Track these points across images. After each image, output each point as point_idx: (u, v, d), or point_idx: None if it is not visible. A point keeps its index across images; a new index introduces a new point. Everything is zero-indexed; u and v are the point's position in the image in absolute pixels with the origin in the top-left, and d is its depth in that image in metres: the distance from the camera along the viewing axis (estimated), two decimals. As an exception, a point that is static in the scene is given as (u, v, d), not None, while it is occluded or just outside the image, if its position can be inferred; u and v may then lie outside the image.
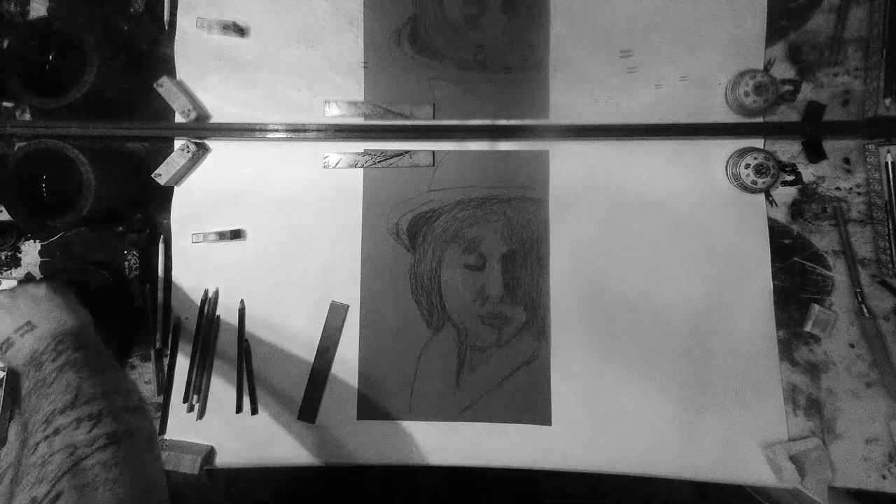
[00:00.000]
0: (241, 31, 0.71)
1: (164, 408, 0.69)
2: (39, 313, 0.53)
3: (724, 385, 0.66)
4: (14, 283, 0.70)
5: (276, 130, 0.69)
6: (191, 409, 0.68)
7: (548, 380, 0.68)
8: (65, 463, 0.38)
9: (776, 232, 0.68)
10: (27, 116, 0.72)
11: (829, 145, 0.67)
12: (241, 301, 0.70)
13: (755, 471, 0.64)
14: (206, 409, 0.69)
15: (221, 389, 0.69)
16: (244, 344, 0.69)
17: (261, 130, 0.69)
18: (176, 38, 0.72)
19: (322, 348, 0.69)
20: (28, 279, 0.56)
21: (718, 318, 0.67)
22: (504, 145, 0.70)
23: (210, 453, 0.68)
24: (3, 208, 0.69)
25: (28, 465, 0.39)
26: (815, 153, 0.67)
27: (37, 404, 0.43)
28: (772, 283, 0.67)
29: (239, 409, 0.68)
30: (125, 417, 0.43)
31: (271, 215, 0.71)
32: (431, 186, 0.70)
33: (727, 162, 0.68)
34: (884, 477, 0.64)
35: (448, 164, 0.70)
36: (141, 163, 0.72)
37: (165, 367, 0.69)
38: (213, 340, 0.69)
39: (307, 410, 0.68)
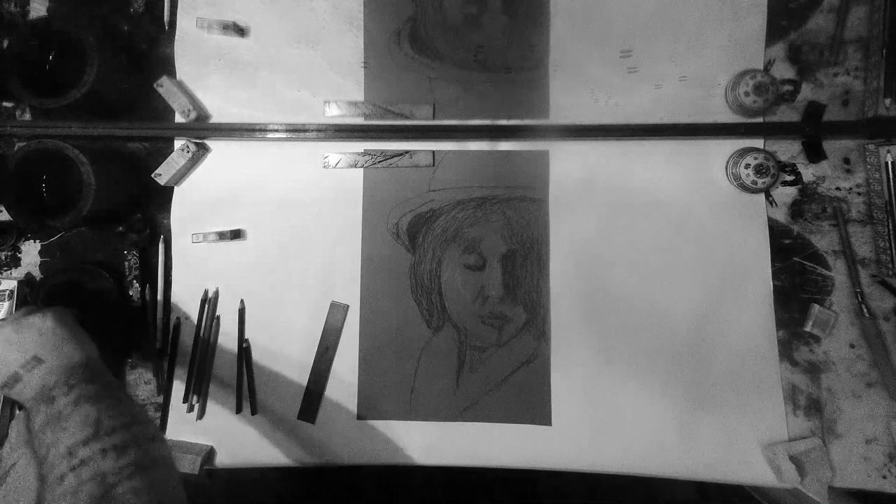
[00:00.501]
0: (241, 31, 0.71)
1: (164, 408, 0.69)
2: (47, 347, 0.52)
3: (724, 385, 0.66)
4: (13, 283, 0.70)
5: (276, 130, 0.69)
6: (191, 409, 0.68)
7: (548, 380, 0.68)
8: (96, 491, 0.39)
9: (776, 232, 0.68)
10: (27, 116, 0.72)
11: (829, 145, 0.67)
12: (241, 301, 0.70)
13: (755, 471, 0.64)
14: (206, 409, 0.69)
15: (221, 389, 0.69)
16: (244, 344, 0.69)
17: (261, 130, 0.69)
18: (176, 38, 0.72)
19: (322, 348, 0.69)
20: (30, 310, 0.56)
21: (718, 318, 0.67)
22: (504, 145, 0.70)
23: (210, 453, 0.68)
24: (3, 208, 0.69)
25: (57, 496, 0.40)
26: (815, 153, 0.67)
27: (54, 438, 0.43)
28: (772, 283, 0.67)
29: (239, 409, 0.68)
30: (149, 446, 0.44)
31: (271, 215, 0.71)
32: (431, 186, 0.70)
33: (727, 162, 0.68)
34: (884, 477, 0.64)
35: (448, 164, 0.70)
36: (141, 163, 0.72)
37: (165, 367, 0.69)
38: (213, 340, 0.69)
39: (307, 410, 0.68)
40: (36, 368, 0.50)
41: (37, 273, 0.72)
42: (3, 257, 0.72)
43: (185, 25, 0.72)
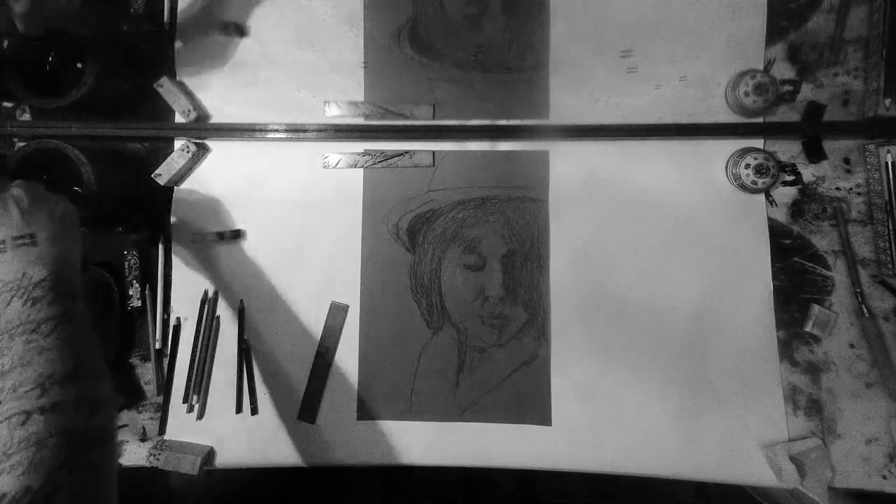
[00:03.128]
0: (241, 31, 0.71)
1: (164, 408, 0.69)
2: (49, 232, 0.42)
3: (724, 385, 0.66)
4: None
5: (276, 130, 0.69)
6: (191, 409, 0.68)
7: (548, 380, 0.68)
8: (61, 453, 0.33)
9: (776, 232, 0.68)
10: (27, 116, 0.72)
11: (829, 145, 0.67)
12: (241, 301, 0.70)
13: (755, 471, 0.64)
14: (206, 409, 0.69)
15: (221, 389, 0.69)
16: (244, 344, 0.69)
17: (261, 130, 0.69)
18: (176, 38, 0.72)
19: (322, 348, 0.69)
20: (44, 190, 0.47)
21: (718, 318, 0.67)
22: (504, 145, 0.70)
23: (210, 453, 0.68)
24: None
25: (18, 439, 0.32)
26: (815, 153, 0.67)
27: (24, 353, 0.35)
28: (772, 283, 0.67)
29: (239, 409, 0.68)
30: (111, 412, 0.38)
31: (271, 215, 0.71)
32: (431, 186, 0.70)
33: (727, 162, 0.68)
34: (884, 477, 0.64)
35: (448, 164, 0.70)
36: (141, 163, 0.72)
37: (165, 368, 0.69)
38: (213, 340, 0.69)
39: (307, 410, 0.68)
40: (26, 247, 0.40)
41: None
42: (3, 257, 0.72)
43: (185, 25, 0.72)
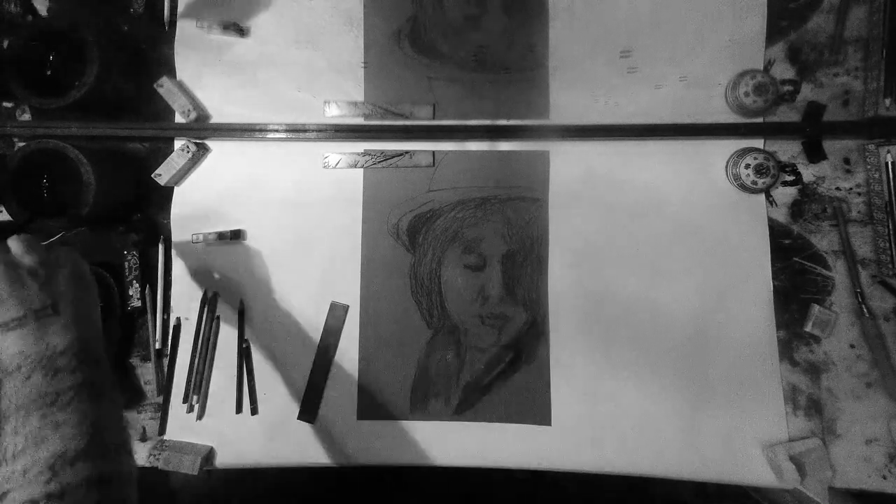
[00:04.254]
0: (241, 31, 0.71)
1: (164, 408, 0.69)
2: (70, 296, 0.40)
3: (724, 385, 0.66)
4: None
5: (276, 130, 0.69)
6: (191, 409, 0.68)
7: (548, 380, 0.68)
8: None
9: (776, 232, 0.68)
10: (27, 116, 0.72)
11: (829, 145, 0.67)
12: (241, 301, 0.70)
13: (755, 471, 0.64)
14: (206, 409, 0.69)
15: (221, 389, 0.69)
16: (244, 344, 0.69)
17: (261, 130, 0.69)
18: (176, 38, 0.72)
19: (322, 348, 0.69)
20: (65, 248, 0.45)
21: (718, 318, 0.67)
22: (504, 145, 0.70)
23: (210, 453, 0.68)
24: (3, 208, 0.69)
25: None
26: (815, 153, 0.67)
27: (39, 430, 0.33)
28: (772, 283, 0.67)
29: (239, 409, 0.68)
30: (127, 486, 0.36)
31: (271, 215, 0.71)
32: (431, 186, 0.70)
33: (727, 162, 0.68)
34: (884, 477, 0.64)
35: (448, 164, 0.70)
36: (141, 163, 0.72)
37: (165, 368, 0.69)
38: (213, 340, 0.69)
39: (307, 410, 0.68)
40: (48, 319, 0.38)
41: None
42: (3, 257, 0.72)
43: (185, 25, 0.72)
